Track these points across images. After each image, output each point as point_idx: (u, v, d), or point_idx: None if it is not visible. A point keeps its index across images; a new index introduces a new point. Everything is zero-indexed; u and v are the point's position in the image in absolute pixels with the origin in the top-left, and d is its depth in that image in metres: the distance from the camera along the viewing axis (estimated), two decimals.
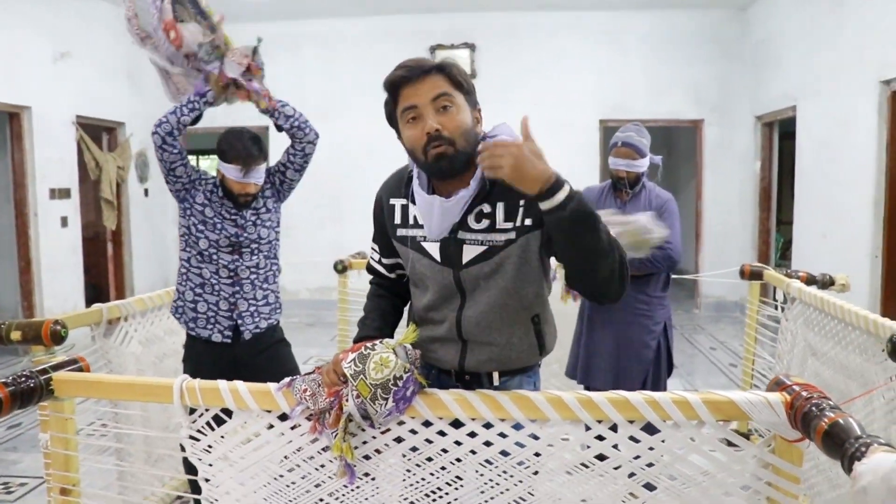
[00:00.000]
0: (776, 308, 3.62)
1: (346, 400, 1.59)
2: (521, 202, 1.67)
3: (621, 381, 3.22)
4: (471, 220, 1.72)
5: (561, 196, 1.48)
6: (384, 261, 1.97)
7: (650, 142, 3.40)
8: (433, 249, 1.76)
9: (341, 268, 4.16)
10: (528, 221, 1.68)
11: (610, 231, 1.57)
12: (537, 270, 1.74)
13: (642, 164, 3.34)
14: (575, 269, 1.63)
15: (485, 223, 1.71)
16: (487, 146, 1.51)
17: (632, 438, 1.58)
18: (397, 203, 1.84)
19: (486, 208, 1.71)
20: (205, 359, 2.87)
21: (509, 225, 1.69)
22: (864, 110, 5.18)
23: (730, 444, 1.58)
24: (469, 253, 1.72)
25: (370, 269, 2.04)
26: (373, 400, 1.56)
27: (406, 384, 1.58)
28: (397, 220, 1.84)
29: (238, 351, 2.87)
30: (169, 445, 2.57)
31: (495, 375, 1.81)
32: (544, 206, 1.50)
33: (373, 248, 2.00)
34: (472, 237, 1.72)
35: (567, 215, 1.49)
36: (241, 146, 2.82)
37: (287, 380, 1.69)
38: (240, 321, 2.87)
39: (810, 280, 3.42)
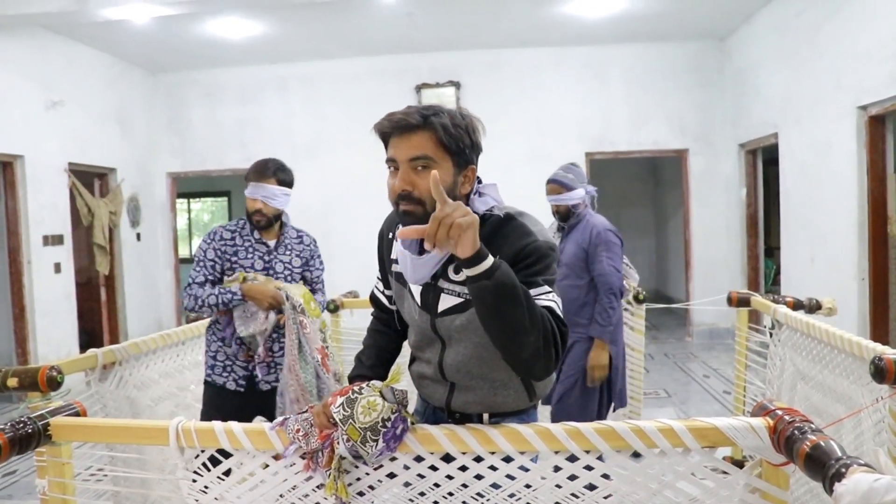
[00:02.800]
0: (768, 335, 3.65)
1: (338, 442, 1.62)
2: (497, 257, 1.64)
3: (562, 403, 3.52)
4: (450, 271, 1.74)
5: (486, 263, 1.45)
6: (386, 292, 2.02)
7: (581, 176, 3.68)
8: (416, 293, 1.79)
9: (333, 307, 4.17)
10: None
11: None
12: None
13: (570, 197, 3.61)
14: (498, 345, 1.59)
15: (462, 275, 1.66)
16: (439, 219, 1.43)
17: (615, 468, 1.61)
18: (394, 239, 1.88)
19: None
20: (219, 405, 2.96)
21: None
22: (844, 135, 5.28)
23: (724, 473, 1.61)
24: (445, 302, 1.74)
25: (373, 297, 2.09)
26: (363, 443, 1.59)
27: (395, 424, 1.61)
28: (393, 255, 1.87)
29: (254, 400, 2.97)
30: (166, 488, 2.57)
31: (485, 416, 1.84)
32: (471, 272, 1.46)
33: (377, 278, 2.04)
34: (449, 287, 1.74)
35: (491, 284, 1.46)
36: (255, 165, 3.01)
37: (280, 419, 1.72)
38: (254, 372, 2.97)
39: (797, 305, 3.45)
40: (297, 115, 8.64)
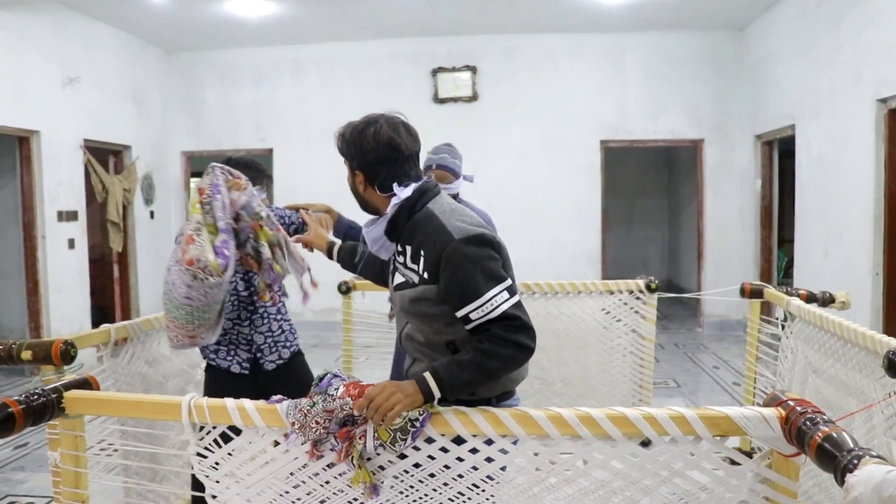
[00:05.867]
0: (780, 327, 3.64)
1: (359, 438, 1.65)
2: (422, 252, 1.89)
3: None
4: (396, 253, 2.02)
5: (435, 390, 1.69)
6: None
7: (463, 161, 3.51)
8: (390, 271, 2.09)
9: (345, 289, 4.18)
10: (426, 275, 1.89)
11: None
12: (440, 310, 1.88)
13: (457, 185, 3.47)
14: None
15: (402, 258, 1.99)
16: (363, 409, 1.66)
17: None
18: None
19: (400, 247, 2.00)
20: (223, 389, 2.92)
21: (415, 267, 1.93)
22: (862, 128, 5.23)
23: (733, 462, 1.61)
24: (397, 279, 2.01)
25: None
26: (392, 443, 1.64)
27: (423, 422, 1.66)
28: None
29: (260, 381, 2.93)
30: (176, 463, 2.60)
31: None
32: (435, 402, 1.71)
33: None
34: (399, 267, 2.00)
35: (451, 397, 1.74)
36: (258, 170, 3.02)
37: (285, 403, 1.73)
38: (259, 354, 2.95)
39: (810, 298, 3.43)
40: (312, 97, 8.62)
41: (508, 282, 1.83)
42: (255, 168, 3.00)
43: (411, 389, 1.67)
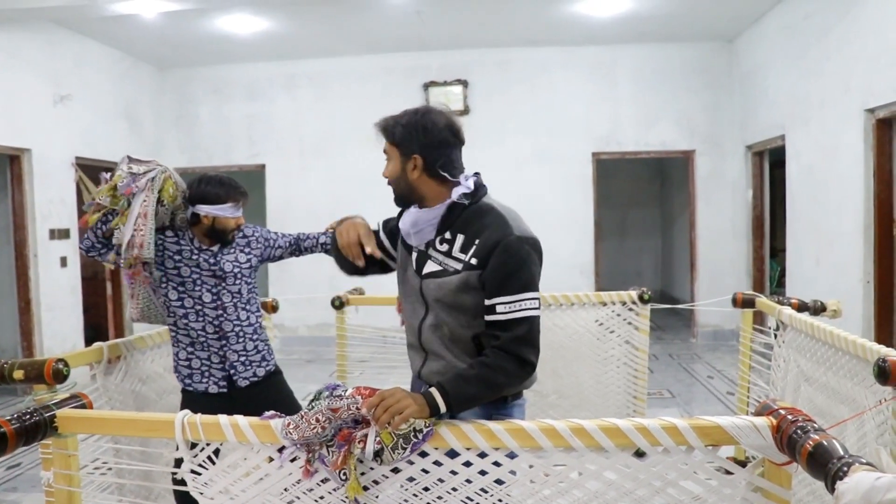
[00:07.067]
0: (773, 336, 3.64)
1: (358, 442, 1.65)
2: (476, 241, 1.93)
3: None
4: (437, 242, 2.02)
5: (442, 405, 1.74)
6: (382, 234, 2.24)
7: None
8: (414, 259, 2.08)
9: (339, 304, 4.18)
10: (473, 261, 1.93)
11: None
12: (475, 300, 1.94)
13: None
14: None
15: (445, 247, 2.00)
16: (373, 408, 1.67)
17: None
18: None
19: (448, 235, 2.01)
20: (203, 409, 2.90)
21: (462, 256, 1.95)
22: (851, 138, 5.27)
23: (727, 472, 1.62)
24: (428, 267, 2.02)
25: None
26: (393, 449, 1.65)
27: (426, 436, 1.67)
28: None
29: (237, 399, 2.91)
30: (169, 481, 2.58)
31: None
32: (441, 415, 1.75)
33: (386, 221, 2.27)
34: (434, 255, 2.02)
35: (456, 411, 1.79)
36: (231, 187, 2.97)
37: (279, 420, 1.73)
38: (232, 371, 2.94)
39: (802, 307, 3.44)
40: (306, 112, 8.65)
41: (539, 295, 1.92)
42: (229, 185, 2.97)
43: (420, 401, 1.70)
